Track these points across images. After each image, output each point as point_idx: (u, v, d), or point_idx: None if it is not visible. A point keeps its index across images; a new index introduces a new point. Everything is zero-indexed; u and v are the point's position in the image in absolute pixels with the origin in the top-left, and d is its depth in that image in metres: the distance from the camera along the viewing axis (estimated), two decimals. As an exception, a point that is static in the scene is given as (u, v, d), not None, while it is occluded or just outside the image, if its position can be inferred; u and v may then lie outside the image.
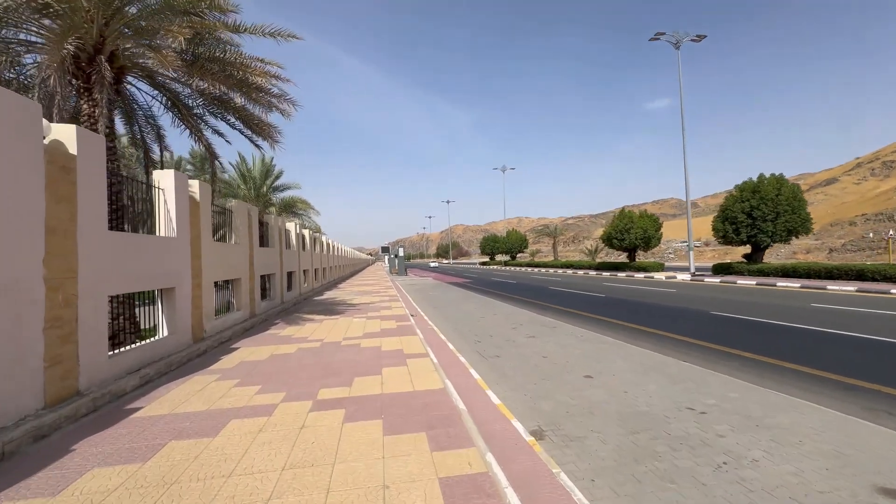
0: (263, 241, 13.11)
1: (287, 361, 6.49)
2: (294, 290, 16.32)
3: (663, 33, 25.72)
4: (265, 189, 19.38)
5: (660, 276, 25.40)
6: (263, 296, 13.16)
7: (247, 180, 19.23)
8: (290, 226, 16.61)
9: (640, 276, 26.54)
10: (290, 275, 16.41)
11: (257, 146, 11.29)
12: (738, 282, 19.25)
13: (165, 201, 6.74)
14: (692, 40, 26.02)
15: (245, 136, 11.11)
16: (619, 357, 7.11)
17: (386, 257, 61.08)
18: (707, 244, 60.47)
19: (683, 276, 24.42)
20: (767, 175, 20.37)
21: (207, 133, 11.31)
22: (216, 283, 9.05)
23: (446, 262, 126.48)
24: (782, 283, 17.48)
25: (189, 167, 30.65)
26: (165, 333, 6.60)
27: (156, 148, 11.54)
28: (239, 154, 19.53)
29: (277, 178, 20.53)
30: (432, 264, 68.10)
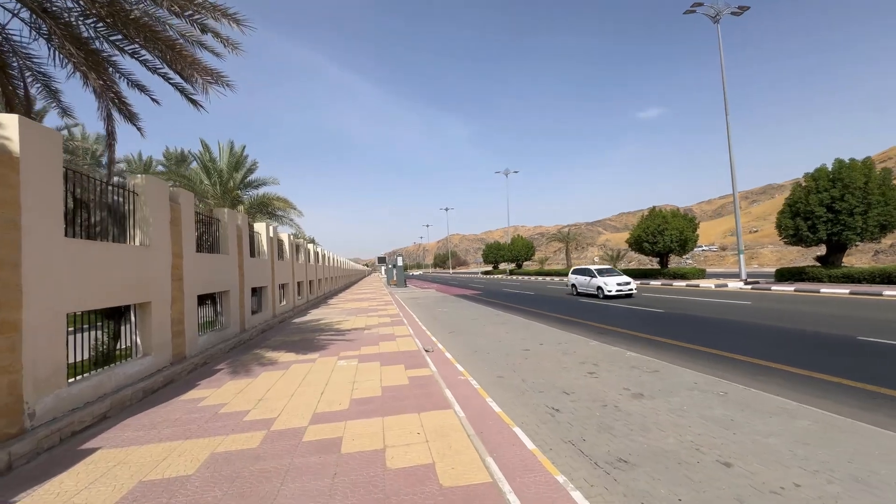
0: (211, 245, 9.26)
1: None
2: (265, 312, 12.42)
3: (700, 4, 22.42)
4: (233, 184, 15.58)
5: (706, 284, 21.65)
6: (210, 324, 9.28)
7: (211, 173, 15.42)
8: (261, 227, 12.79)
9: (681, 284, 22.79)
10: (258, 291, 12.53)
11: (191, 100, 7.49)
12: (822, 290, 15.52)
13: None
14: (733, 13, 22.74)
15: (171, 82, 7.33)
16: (887, 465, 3.31)
17: (383, 268, 57.25)
18: (724, 248, 57.04)
19: (735, 285, 20.70)
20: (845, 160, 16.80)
21: (122, 85, 7.58)
22: (82, 316, 5.22)
23: (444, 272, 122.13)
24: (890, 293, 13.76)
25: (161, 168, 26.80)
26: None
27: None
28: (201, 141, 15.75)
29: (251, 171, 16.73)
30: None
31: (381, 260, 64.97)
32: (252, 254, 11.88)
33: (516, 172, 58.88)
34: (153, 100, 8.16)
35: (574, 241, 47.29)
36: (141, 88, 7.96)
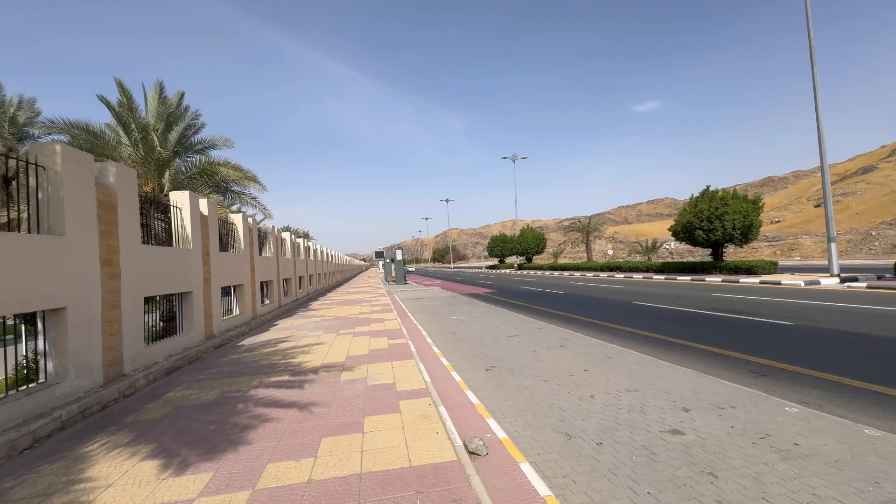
0: (19, 218, 4.60)
1: None
2: (188, 334, 7.79)
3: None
4: (158, 142, 10.89)
5: (789, 281, 17.09)
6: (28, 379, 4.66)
7: (130, 128, 10.81)
8: (181, 197, 8.14)
9: (751, 281, 18.17)
10: (175, 300, 7.91)
11: None
12: None
13: None
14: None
15: None
16: None
17: (380, 263, 52.63)
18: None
19: (828, 281, 16.21)
20: None
21: None
22: None
23: (446, 266, 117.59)
24: None
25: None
26: None
27: None
28: (117, 82, 11.05)
29: (193, 128, 12.05)
30: None
31: (379, 255, 60.31)
32: (155, 238, 7.25)
33: (524, 158, 54.21)
34: None
35: (595, 231, 42.64)
36: None
